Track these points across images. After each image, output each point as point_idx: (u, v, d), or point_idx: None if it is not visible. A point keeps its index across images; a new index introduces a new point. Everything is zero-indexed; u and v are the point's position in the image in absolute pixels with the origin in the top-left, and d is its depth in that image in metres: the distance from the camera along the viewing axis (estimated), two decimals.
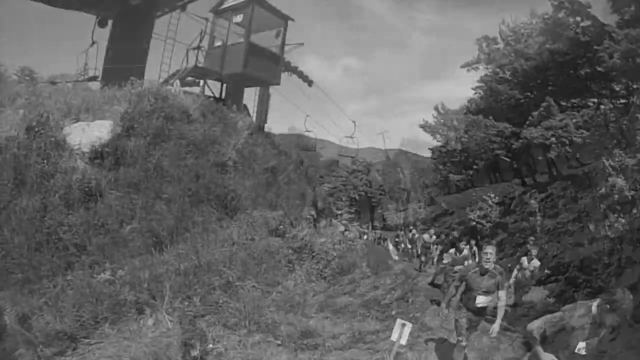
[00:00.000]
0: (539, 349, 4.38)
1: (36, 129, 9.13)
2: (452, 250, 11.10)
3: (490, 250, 6.28)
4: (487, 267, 6.20)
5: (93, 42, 14.95)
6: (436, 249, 15.70)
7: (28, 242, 7.07)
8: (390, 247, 25.18)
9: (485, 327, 6.72)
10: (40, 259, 6.64)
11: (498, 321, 6.41)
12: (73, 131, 9.57)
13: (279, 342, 6.24)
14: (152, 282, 6.68)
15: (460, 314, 6.60)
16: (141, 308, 6.22)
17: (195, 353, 5.61)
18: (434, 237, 16.22)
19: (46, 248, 6.90)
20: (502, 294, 6.41)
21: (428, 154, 50.25)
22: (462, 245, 18.92)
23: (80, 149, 9.21)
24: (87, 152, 9.20)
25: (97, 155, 9.18)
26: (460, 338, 6.63)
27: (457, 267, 10.43)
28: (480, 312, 6.52)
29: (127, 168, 9.18)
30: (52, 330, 5.28)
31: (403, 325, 6.00)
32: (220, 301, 6.72)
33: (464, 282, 6.45)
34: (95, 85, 13.07)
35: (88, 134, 9.50)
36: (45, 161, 8.63)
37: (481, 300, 6.34)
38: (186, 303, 6.66)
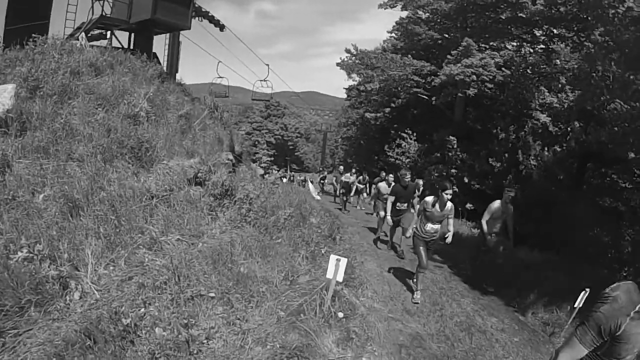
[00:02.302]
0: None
1: None
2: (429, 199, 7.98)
3: None
4: None
5: None
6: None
7: None
8: (311, 187, 25.71)
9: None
10: None
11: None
12: None
13: (212, 294, 6.13)
14: (73, 251, 6.26)
15: None
16: (65, 282, 5.86)
17: (127, 321, 5.44)
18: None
19: None
20: None
21: (342, 94, 50.73)
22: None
23: None
24: None
25: (1, 124, 8.28)
26: None
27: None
28: None
29: (34, 132, 8.29)
30: None
31: (337, 260, 5.59)
32: (146, 260, 6.23)
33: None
34: None
35: None
36: None
37: None
38: (111, 268, 6.16)
